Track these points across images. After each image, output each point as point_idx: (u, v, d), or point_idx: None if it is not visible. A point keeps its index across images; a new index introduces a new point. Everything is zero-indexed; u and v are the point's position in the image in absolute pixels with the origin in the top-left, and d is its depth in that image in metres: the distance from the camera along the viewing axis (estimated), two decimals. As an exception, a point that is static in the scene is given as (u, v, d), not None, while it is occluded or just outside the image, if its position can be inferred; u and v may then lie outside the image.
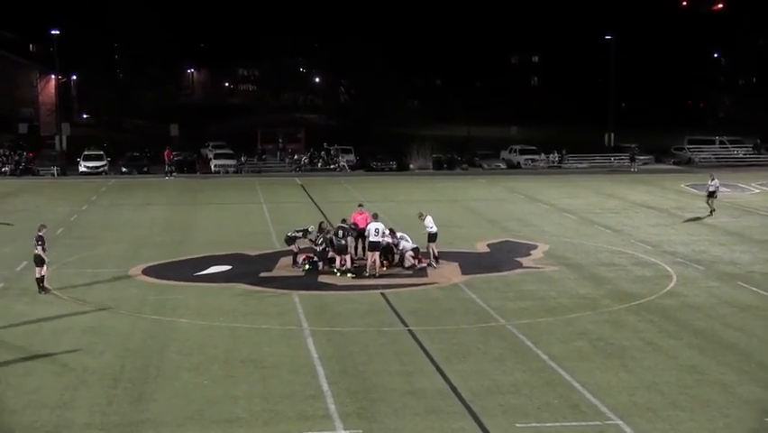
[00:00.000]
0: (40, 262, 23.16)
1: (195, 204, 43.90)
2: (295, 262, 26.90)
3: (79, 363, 17.56)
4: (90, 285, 24.65)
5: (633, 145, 69.50)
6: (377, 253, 25.72)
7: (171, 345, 18.88)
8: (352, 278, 25.31)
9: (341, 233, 26.03)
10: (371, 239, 25.67)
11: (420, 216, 27.76)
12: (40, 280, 23.24)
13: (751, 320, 20.99)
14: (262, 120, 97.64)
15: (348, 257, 25.97)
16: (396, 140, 73.22)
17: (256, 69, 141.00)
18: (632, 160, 65.25)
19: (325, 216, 35.27)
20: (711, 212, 38.57)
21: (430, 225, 27.22)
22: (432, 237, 27.18)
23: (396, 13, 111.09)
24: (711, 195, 39.06)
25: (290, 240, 27.04)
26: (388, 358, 17.89)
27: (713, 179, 39.21)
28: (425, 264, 26.68)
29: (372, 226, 25.89)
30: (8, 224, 35.85)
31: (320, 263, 26.35)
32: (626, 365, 17.45)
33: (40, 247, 23.07)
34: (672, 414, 14.89)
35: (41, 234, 23.43)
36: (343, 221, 27.17)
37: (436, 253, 27.15)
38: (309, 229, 26.98)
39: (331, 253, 26.29)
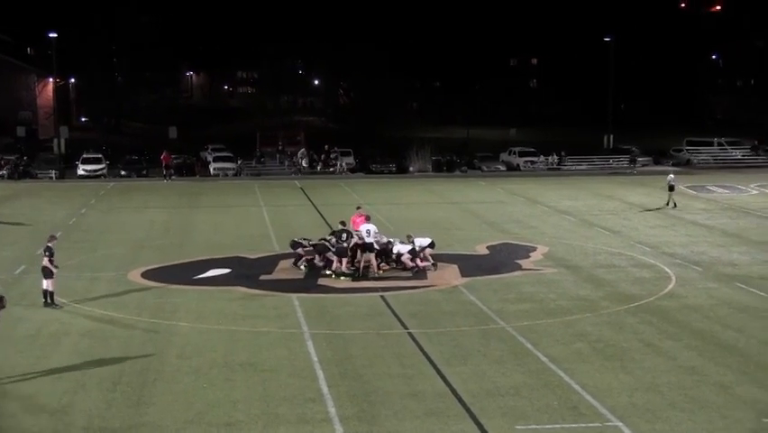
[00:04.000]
0: (47, 273, 22.37)
1: (194, 207, 43.86)
2: (296, 262, 26.92)
3: (78, 367, 17.55)
4: (89, 288, 24.63)
5: (633, 147, 69.46)
6: (372, 255, 25.73)
7: (170, 348, 18.86)
8: (351, 280, 25.31)
9: (344, 236, 26.05)
10: (365, 240, 25.69)
11: (408, 239, 27.25)
12: (45, 293, 22.43)
13: (750, 321, 21.01)
14: (261, 123, 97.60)
15: (345, 260, 25.97)
16: (395, 142, 73.22)
17: (255, 71, 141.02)
18: (632, 162, 65.22)
19: (325, 219, 35.26)
20: (671, 204, 41.34)
21: (422, 241, 27.02)
22: (430, 246, 27.07)
23: (395, 16, 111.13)
24: (671, 189, 42.02)
25: (295, 244, 27.14)
26: (388, 361, 17.88)
27: (671, 173, 43.76)
28: (424, 265, 26.63)
29: (364, 228, 25.91)
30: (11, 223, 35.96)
31: (320, 264, 26.38)
32: (625, 367, 17.46)
33: (47, 258, 22.35)
34: (671, 415, 14.90)
35: (49, 244, 22.72)
36: (342, 223, 27.19)
37: (430, 258, 27.01)
38: (304, 243, 27.06)
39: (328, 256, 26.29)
